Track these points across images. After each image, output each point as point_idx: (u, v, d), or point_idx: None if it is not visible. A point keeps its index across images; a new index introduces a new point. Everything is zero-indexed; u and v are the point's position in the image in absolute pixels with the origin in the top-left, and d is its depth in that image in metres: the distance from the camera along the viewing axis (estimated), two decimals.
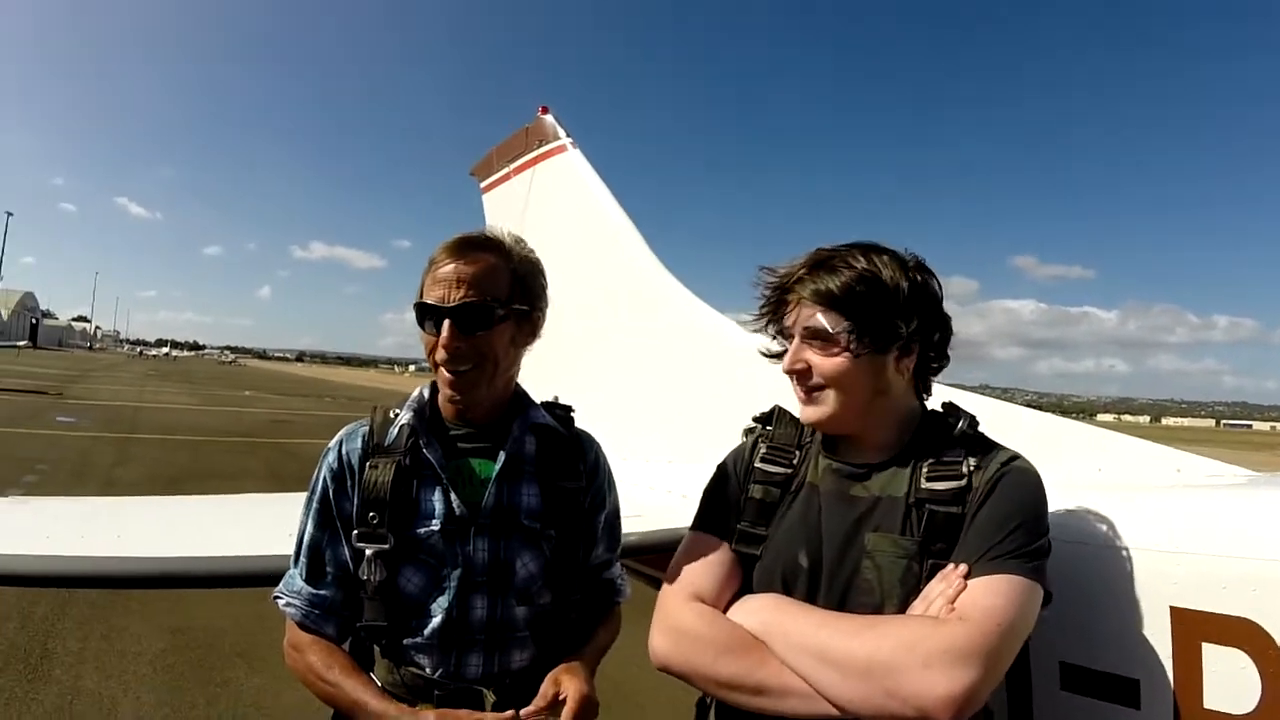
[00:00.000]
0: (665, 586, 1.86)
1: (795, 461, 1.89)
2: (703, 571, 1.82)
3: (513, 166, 6.18)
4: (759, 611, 1.72)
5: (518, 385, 2.00)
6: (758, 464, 1.91)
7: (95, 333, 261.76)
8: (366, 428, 1.91)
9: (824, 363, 1.75)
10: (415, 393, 1.96)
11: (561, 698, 1.69)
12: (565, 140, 5.72)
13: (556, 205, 5.67)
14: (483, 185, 6.65)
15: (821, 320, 1.74)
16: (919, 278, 1.79)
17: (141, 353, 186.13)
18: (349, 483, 1.85)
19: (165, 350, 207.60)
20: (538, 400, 2.03)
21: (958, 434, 1.78)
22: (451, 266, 1.81)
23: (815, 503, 1.80)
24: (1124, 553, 1.92)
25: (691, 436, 4.00)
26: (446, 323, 1.78)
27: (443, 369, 1.83)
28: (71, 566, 2.34)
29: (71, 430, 20.62)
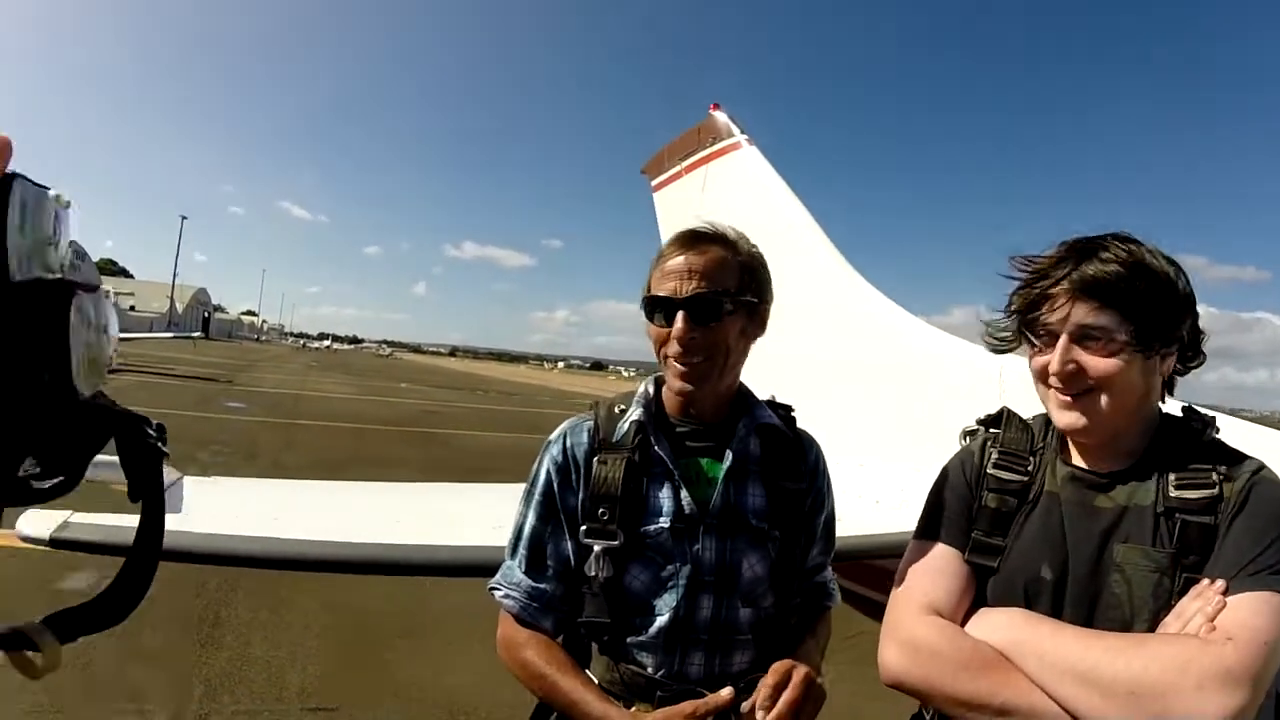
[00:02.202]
0: (896, 596, 1.77)
1: (1030, 469, 1.79)
2: (937, 582, 1.73)
3: (685, 164, 6.13)
4: (1006, 628, 1.62)
5: (742, 383, 1.97)
6: (990, 470, 1.80)
7: (262, 326, 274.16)
8: (591, 422, 1.90)
9: (1098, 364, 1.61)
10: (640, 389, 1.94)
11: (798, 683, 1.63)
12: (740, 137, 5.67)
13: (733, 202, 5.61)
14: (654, 184, 6.63)
15: (1100, 317, 1.60)
16: (1180, 272, 1.66)
17: (305, 345, 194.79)
18: (574, 477, 1.85)
19: (326, 343, 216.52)
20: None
21: (1206, 441, 1.67)
22: (682, 259, 1.80)
23: (1056, 512, 1.70)
24: None
25: (881, 438, 3.93)
26: (680, 314, 1.77)
27: (674, 361, 1.81)
28: (284, 549, 2.40)
29: (240, 415, 21.70)
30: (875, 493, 3.04)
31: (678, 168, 6.22)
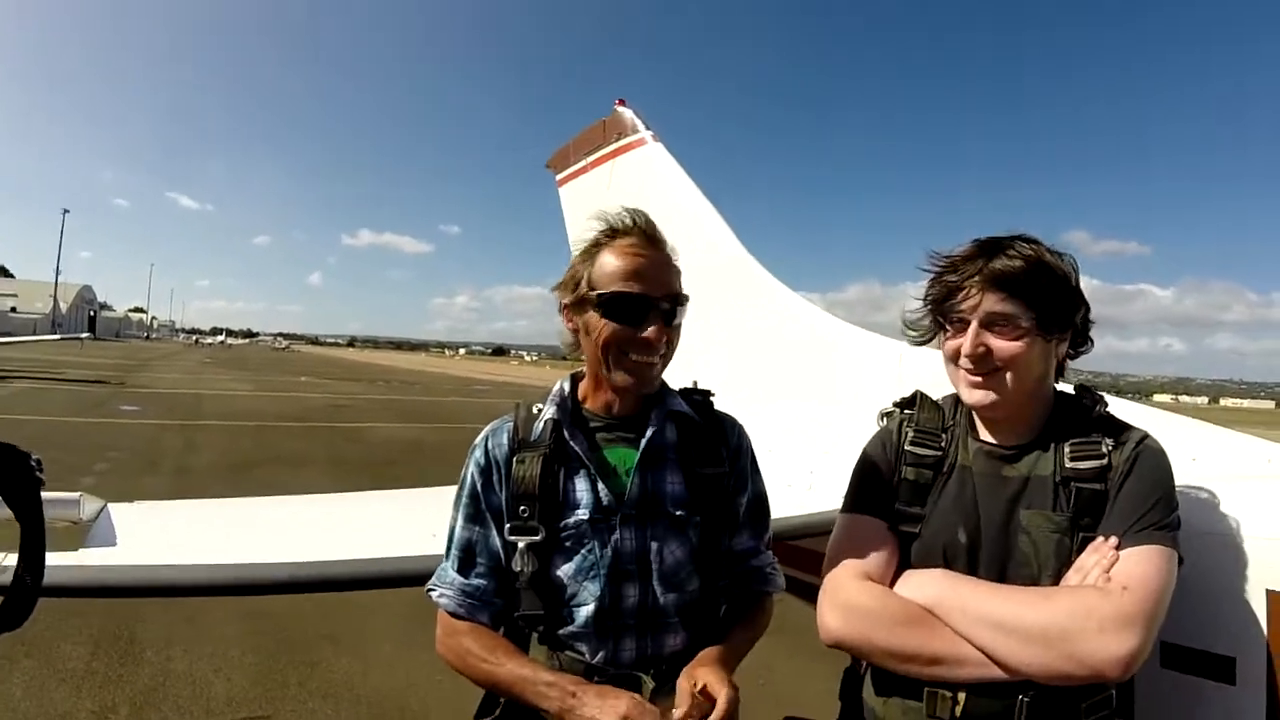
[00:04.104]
0: (829, 567, 1.97)
1: (944, 444, 2.00)
2: (866, 550, 1.93)
3: (591, 159, 6.21)
4: (931, 586, 1.84)
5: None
6: (908, 447, 2.02)
7: (152, 323, 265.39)
8: (511, 424, 1.96)
9: (1005, 346, 1.83)
10: (556, 387, 2.00)
11: (699, 689, 1.69)
12: (645, 133, 5.75)
13: (640, 198, 5.58)
14: (559, 178, 6.67)
15: (1007, 305, 1.83)
16: (1074, 269, 1.91)
17: (197, 341, 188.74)
18: (496, 477, 1.91)
19: (220, 338, 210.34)
20: (676, 388, 2.06)
21: (1096, 416, 1.92)
22: (647, 259, 1.86)
23: (969, 483, 1.92)
24: (1222, 538, 2.01)
25: (789, 424, 4.07)
26: (654, 314, 1.83)
27: (635, 358, 1.86)
28: (217, 576, 2.42)
29: (137, 419, 21.08)
30: (786, 477, 3.17)
31: (583, 162, 6.28)
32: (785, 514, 2.56)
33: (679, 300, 1.89)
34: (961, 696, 1.75)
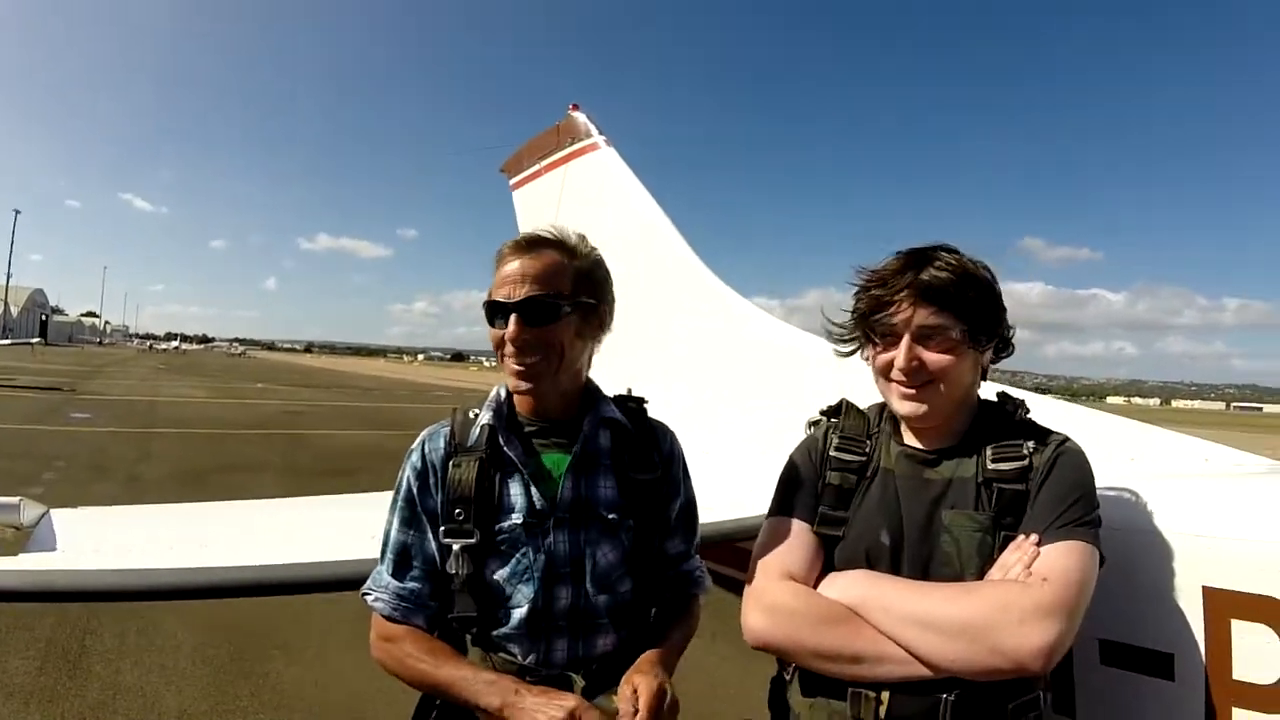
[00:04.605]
0: (756, 568, 1.98)
1: (868, 450, 2.02)
2: (790, 552, 1.95)
3: (544, 164, 6.21)
4: (854, 586, 1.85)
5: (589, 380, 2.08)
6: (832, 453, 2.03)
7: (105, 328, 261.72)
8: (448, 428, 1.99)
9: (937, 359, 1.86)
10: (492, 393, 2.03)
11: (650, 692, 1.72)
12: (598, 138, 5.77)
13: (591, 202, 5.70)
14: (512, 182, 6.67)
15: (938, 318, 1.85)
16: (996, 279, 1.95)
17: (151, 346, 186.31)
18: (432, 481, 1.94)
19: (175, 344, 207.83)
20: (611, 394, 2.10)
21: (1018, 420, 1.95)
22: (517, 264, 1.90)
23: (892, 486, 1.94)
24: (1158, 536, 2.04)
25: (729, 427, 4.09)
26: (513, 316, 1.86)
27: (510, 361, 1.90)
28: (159, 580, 2.39)
29: (88, 426, 20.78)
30: (723, 479, 3.20)
31: (536, 166, 6.27)
32: (727, 517, 2.60)
33: (551, 300, 1.89)
34: (885, 696, 1.77)
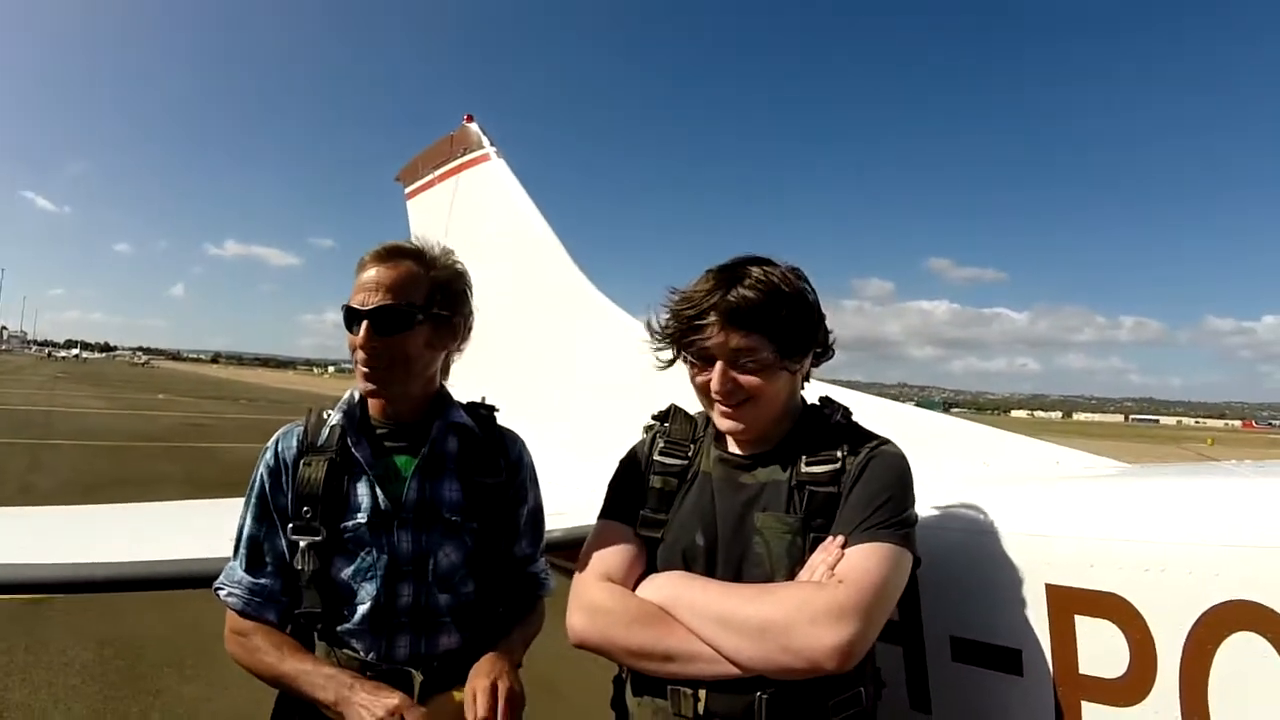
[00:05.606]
0: (578, 571, 2.02)
1: (690, 454, 2.08)
2: (611, 555, 1.99)
3: (437, 174, 6.24)
4: (664, 587, 1.90)
5: (442, 387, 2.14)
6: (656, 457, 2.09)
7: (1, 334, 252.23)
8: (301, 428, 2.04)
9: (752, 381, 1.89)
10: (346, 395, 2.09)
11: (485, 691, 1.80)
12: (489, 149, 5.80)
13: (479, 213, 5.76)
14: (407, 191, 6.68)
15: (748, 340, 1.87)
16: (808, 284, 1.97)
17: (50, 354, 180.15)
18: (283, 478, 1.98)
19: (75, 352, 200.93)
20: (464, 401, 2.17)
21: (834, 424, 1.99)
22: (373, 272, 1.95)
23: (708, 489, 1.99)
24: (1006, 537, 2.12)
25: (607, 435, 4.15)
26: (364, 324, 1.91)
27: (360, 366, 1.95)
28: (34, 574, 2.38)
29: None
30: (580, 484, 3.28)
31: (430, 176, 6.30)
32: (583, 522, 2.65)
33: (403, 310, 1.94)
34: (702, 694, 1.80)
